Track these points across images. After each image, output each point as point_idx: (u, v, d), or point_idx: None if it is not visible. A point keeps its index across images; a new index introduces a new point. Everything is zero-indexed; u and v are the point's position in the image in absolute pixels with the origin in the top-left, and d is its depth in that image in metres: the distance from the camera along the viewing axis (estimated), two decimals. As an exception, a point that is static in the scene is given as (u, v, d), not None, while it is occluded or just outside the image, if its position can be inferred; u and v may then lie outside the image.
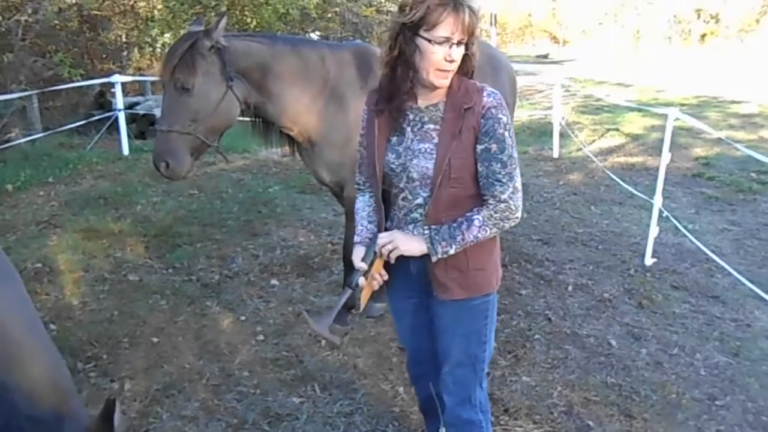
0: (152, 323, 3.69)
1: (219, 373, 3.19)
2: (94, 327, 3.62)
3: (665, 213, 4.69)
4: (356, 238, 2.02)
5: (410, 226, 1.88)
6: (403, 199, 1.88)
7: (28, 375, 1.28)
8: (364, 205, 2.06)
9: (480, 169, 1.80)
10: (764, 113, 11.08)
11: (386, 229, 1.94)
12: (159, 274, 4.38)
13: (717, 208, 5.90)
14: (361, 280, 1.90)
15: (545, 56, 29.88)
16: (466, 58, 1.78)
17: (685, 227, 4.84)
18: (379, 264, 1.89)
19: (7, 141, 7.58)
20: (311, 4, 10.91)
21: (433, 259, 1.81)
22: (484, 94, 1.80)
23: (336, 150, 3.27)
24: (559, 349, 3.41)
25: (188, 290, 4.13)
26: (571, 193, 6.37)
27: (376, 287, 1.93)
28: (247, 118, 3.32)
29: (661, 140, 4.68)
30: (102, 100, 9.96)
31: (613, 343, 3.48)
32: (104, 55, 11.33)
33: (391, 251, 1.83)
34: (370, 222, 2.02)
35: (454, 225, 1.79)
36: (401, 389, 3.03)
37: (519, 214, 1.83)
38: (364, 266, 1.89)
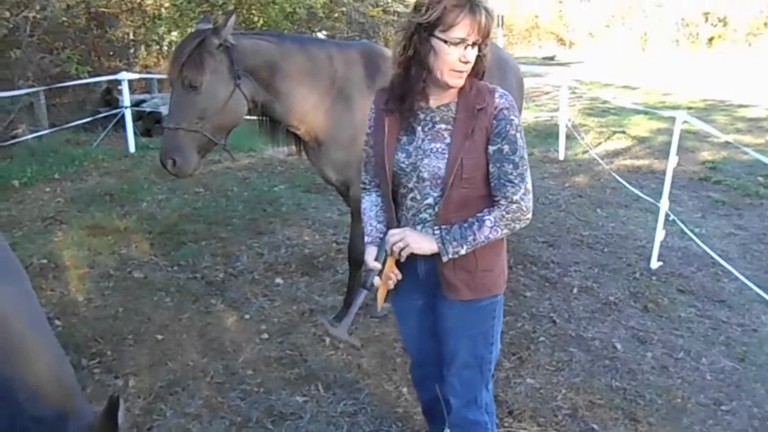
0: (157, 320, 3.69)
1: (223, 371, 3.19)
2: (98, 323, 3.63)
3: (671, 216, 4.67)
4: (367, 239, 2.00)
5: (419, 227, 1.87)
6: (412, 199, 1.88)
7: (31, 372, 1.27)
8: (371, 204, 2.05)
9: (491, 170, 1.80)
10: (772, 117, 11.03)
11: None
12: (164, 272, 4.39)
13: (724, 212, 5.88)
14: (376, 280, 1.89)
15: (552, 58, 29.83)
16: (477, 59, 1.77)
17: (691, 231, 4.82)
18: (391, 263, 1.88)
19: (14, 137, 7.61)
20: (318, 4, 10.92)
21: (444, 259, 1.80)
22: (497, 95, 1.79)
23: (342, 149, 3.26)
24: (563, 352, 3.40)
25: (193, 288, 4.13)
26: (576, 196, 6.35)
27: (392, 286, 1.92)
28: (254, 117, 3.32)
29: (668, 143, 4.66)
30: (109, 97, 9.98)
31: (618, 346, 3.47)
32: (111, 53, 11.36)
33: (402, 249, 1.82)
34: (379, 222, 2.01)
35: (465, 225, 1.79)
36: (405, 390, 3.03)
37: (530, 215, 1.83)
38: (378, 266, 1.87)
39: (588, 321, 3.75)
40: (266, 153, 7.90)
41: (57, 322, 3.61)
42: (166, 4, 10.89)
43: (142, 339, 3.49)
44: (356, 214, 3.28)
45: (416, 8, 1.74)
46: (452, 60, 1.72)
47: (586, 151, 7.98)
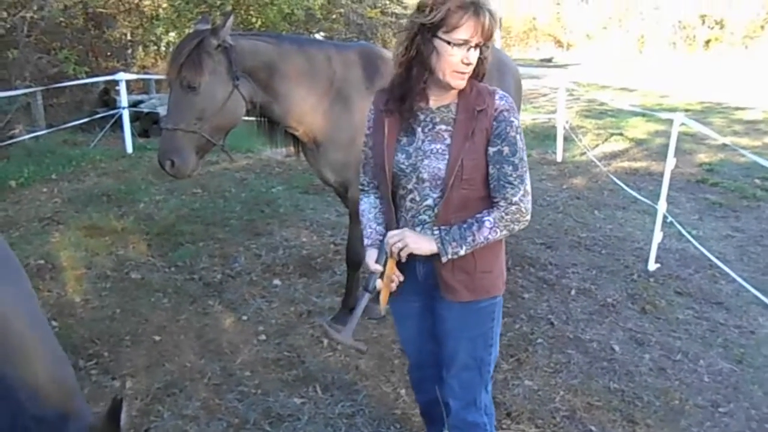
0: (154, 321, 3.68)
1: (220, 372, 3.18)
2: (95, 324, 3.62)
3: (669, 218, 4.68)
4: (366, 241, 2.00)
5: (418, 228, 1.87)
6: (411, 200, 1.87)
7: (32, 372, 1.27)
8: (369, 206, 2.04)
9: (491, 171, 1.80)
10: (768, 120, 11.07)
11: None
12: (161, 273, 4.38)
13: (721, 214, 5.89)
14: (378, 283, 1.88)
15: (549, 60, 29.90)
16: (478, 61, 1.77)
17: (688, 233, 4.82)
18: (392, 264, 1.87)
19: (11, 137, 7.59)
20: (316, 5, 10.93)
21: (443, 259, 1.80)
22: (497, 97, 1.80)
23: (341, 150, 3.26)
24: (561, 354, 3.40)
25: (190, 289, 4.12)
26: (574, 197, 6.36)
27: (394, 288, 1.92)
28: (252, 118, 3.32)
29: (665, 145, 4.67)
30: (106, 97, 9.96)
31: (616, 348, 3.47)
32: (109, 53, 11.35)
33: (401, 249, 1.81)
34: (378, 224, 2.00)
35: (465, 226, 1.78)
36: (403, 391, 3.02)
37: (529, 217, 1.83)
38: (379, 268, 1.87)
39: (586, 323, 3.75)
40: (264, 154, 7.89)
41: (54, 323, 3.59)
42: (164, 5, 10.88)
43: (139, 340, 3.48)
44: (354, 216, 3.28)
45: (420, 8, 1.74)
46: (455, 61, 1.72)
47: (584, 153, 7.99)
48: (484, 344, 1.97)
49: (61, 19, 9.01)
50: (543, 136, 9.44)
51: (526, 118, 10.42)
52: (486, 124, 1.77)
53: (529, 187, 1.81)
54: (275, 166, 7.46)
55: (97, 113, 9.08)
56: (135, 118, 8.96)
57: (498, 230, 1.79)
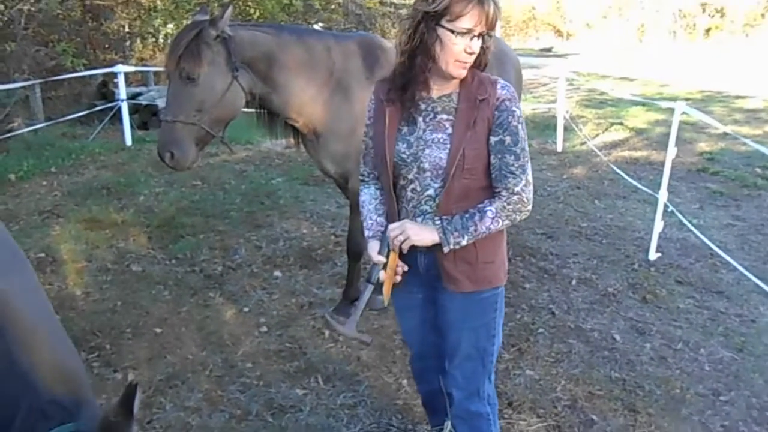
0: (155, 314, 3.69)
1: (222, 364, 3.19)
2: (96, 317, 3.62)
3: (670, 207, 4.67)
4: (367, 233, 1.99)
5: (419, 219, 1.86)
6: (412, 190, 1.86)
7: (44, 359, 1.28)
8: (370, 197, 2.03)
9: (493, 161, 1.79)
10: (769, 108, 11.04)
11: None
12: (162, 265, 4.38)
13: (722, 203, 5.88)
14: (381, 274, 1.88)
15: (549, 50, 29.81)
16: (480, 51, 1.76)
17: (689, 222, 4.82)
18: (394, 255, 1.86)
19: (10, 131, 7.58)
20: (315, -5, 10.88)
21: (445, 249, 1.79)
22: (498, 86, 1.79)
23: (341, 141, 3.25)
24: (563, 343, 3.40)
25: (191, 281, 4.12)
26: (575, 187, 6.35)
27: (398, 279, 1.91)
28: (252, 109, 3.30)
29: (665, 134, 4.66)
30: (105, 90, 9.93)
31: (617, 337, 3.47)
32: (107, 45, 11.30)
33: (402, 242, 1.80)
34: (378, 215, 1.99)
35: (467, 216, 1.78)
36: (405, 382, 3.03)
37: (530, 207, 1.82)
38: (383, 260, 1.86)
39: (587, 312, 3.75)
40: (264, 145, 7.88)
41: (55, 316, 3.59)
42: (162, -4, 10.84)
43: (140, 332, 3.48)
44: (355, 207, 3.27)
45: None
46: (458, 50, 1.70)
47: (584, 143, 7.97)
48: (486, 335, 1.97)
49: (59, 11, 8.96)
50: (543, 126, 9.42)
51: (526, 108, 10.40)
52: (488, 113, 1.76)
53: (530, 177, 1.80)
54: (275, 158, 7.44)
55: (96, 106, 9.06)
56: (134, 110, 8.93)
57: (500, 220, 1.78)
